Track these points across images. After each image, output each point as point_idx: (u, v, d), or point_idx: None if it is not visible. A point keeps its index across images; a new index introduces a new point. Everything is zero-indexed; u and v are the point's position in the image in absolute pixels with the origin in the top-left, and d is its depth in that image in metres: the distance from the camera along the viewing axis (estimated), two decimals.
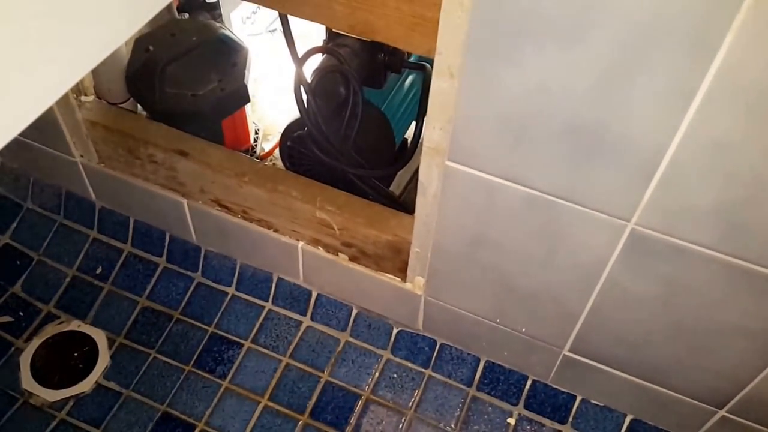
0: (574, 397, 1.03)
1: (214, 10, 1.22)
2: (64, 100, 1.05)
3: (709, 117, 0.58)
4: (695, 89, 0.57)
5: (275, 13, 1.30)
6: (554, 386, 1.03)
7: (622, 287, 0.78)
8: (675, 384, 0.89)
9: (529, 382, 1.04)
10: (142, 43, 1.07)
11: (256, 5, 1.29)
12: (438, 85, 0.70)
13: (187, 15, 1.20)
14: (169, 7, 1.15)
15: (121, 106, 1.11)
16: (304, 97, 0.95)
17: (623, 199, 0.69)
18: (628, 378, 0.92)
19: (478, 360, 1.06)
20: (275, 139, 1.25)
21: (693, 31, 0.54)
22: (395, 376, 1.06)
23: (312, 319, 1.11)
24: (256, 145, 1.23)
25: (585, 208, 0.72)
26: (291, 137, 1.04)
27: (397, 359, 1.08)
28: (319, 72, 0.96)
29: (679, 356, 0.84)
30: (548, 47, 0.60)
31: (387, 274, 1.00)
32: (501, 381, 1.05)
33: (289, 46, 0.92)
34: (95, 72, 1.07)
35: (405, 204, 1.04)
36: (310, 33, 1.22)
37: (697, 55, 0.55)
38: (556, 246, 0.78)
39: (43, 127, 1.10)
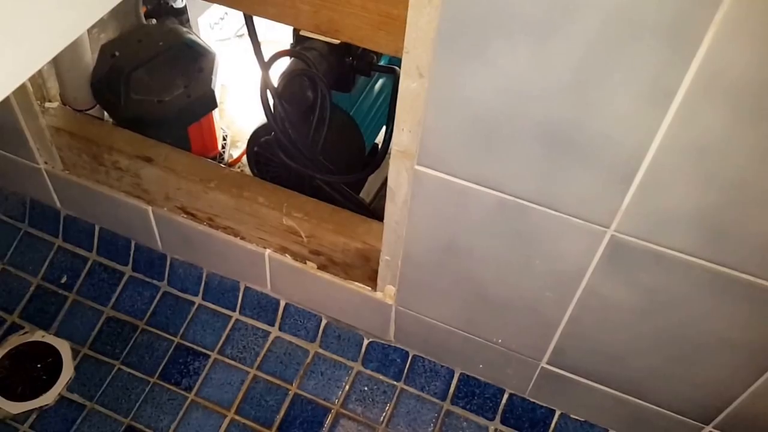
0: (553, 412, 0.96)
1: (182, 15, 1.16)
2: (27, 106, 0.99)
3: (690, 117, 0.53)
4: (676, 87, 0.52)
5: (243, 19, 1.25)
6: (532, 400, 0.97)
7: (602, 296, 0.73)
8: (659, 398, 0.83)
9: (505, 396, 0.98)
10: (107, 48, 1.02)
11: (224, 10, 1.24)
12: (407, 86, 0.64)
13: (154, 21, 1.14)
14: (136, 13, 1.10)
15: (87, 113, 1.05)
16: (271, 101, 0.89)
17: (601, 204, 0.63)
18: (610, 392, 0.86)
19: (452, 372, 1.00)
20: (244, 145, 1.19)
21: (672, 24, 0.48)
22: (366, 389, 1.00)
23: (280, 329, 1.05)
24: (224, 152, 1.17)
25: (561, 213, 0.66)
26: (258, 143, 0.98)
27: (368, 371, 1.01)
28: (286, 76, 0.90)
29: (662, 369, 0.78)
30: (520, 44, 0.55)
31: (356, 283, 0.94)
32: (476, 394, 0.98)
33: (255, 50, 0.86)
34: (61, 79, 1.01)
35: (375, 211, 0.98)
36: (280, 39, 1.16)
37: (677, 50, 0.49)
38: (531, 253, 0.72)
39: (7, 134, 1.04)
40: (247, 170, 1.06)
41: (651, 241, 0.64)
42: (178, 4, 1.15)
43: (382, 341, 1.01)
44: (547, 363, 0.87)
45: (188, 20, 1.16)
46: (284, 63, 0.92)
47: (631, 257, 0.66)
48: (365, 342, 1.02)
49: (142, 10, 1.11)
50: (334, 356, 1.02)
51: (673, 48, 0.50)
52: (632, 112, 0.55)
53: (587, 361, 0.84)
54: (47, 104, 1.02)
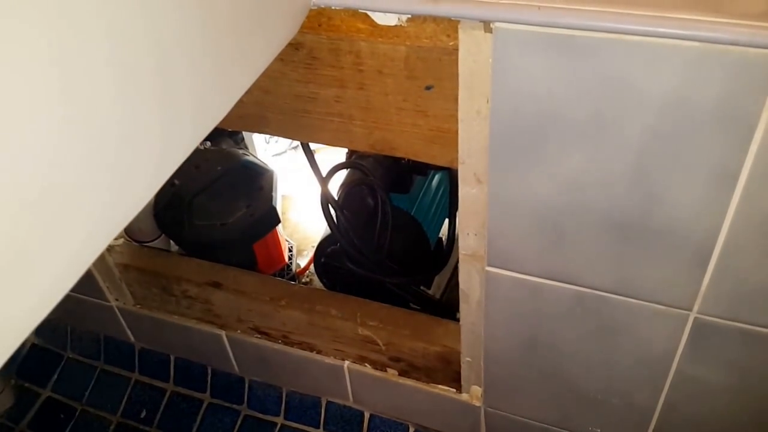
0: None
1: (237, 134, 1.25)
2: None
3: (758, 196, 0.56)
4: (738, 169, 0.55)
5: None
6: None
7: (694, 379, 0.74)
8: None
9: None
10: None
11: None
12: (466, 192, 0.69)
13: (209, 143, 1.23)
14: None
15: (152, 243, 1.13)
16: (333, 213, 0.95)
17: (680, 287, 0.66)
18: None
19: None
20: (310, 252, 1.25)
21: (725, 113, 0.53)
22: None
23: None
24: (291, 262, 1.23)
25: (640, 300, 0.69)
26: (324, 253, 1.04)
27: None
28: (345, 187, 0.96)
29: None
30: (574, 146, 0.60)
31: (441, 387, 0.97)
32: None
33: (312, 168, 0.93)
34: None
35: (448, 305, 1.02)
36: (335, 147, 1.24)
37: (734, 135, 0.53)
38: (616, 342, 0.75)
39: None
40: (316, 278, 1.11)
41: (736, 320, 0.66)
42: None
43: None
44: None
45: (243, 139, 1.25)
46: (342, 173, 0.99)
47: (718, 337, 0.68)
48: None
49: None
50: None
51: (730, 133, 0.54)
52: (698, 197, 0.59)
53: None
54: (113, 242, 1.11)
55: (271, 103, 0.75)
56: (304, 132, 0.76)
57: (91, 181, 0.38)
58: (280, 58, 0.69)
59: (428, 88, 0.65)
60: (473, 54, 0.59)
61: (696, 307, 0.67)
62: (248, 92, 0.75)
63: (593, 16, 0.52)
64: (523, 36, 0.56)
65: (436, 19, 0.60)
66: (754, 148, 0.53)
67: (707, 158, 0.56)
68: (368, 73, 0.67)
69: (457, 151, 0.66)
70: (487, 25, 0.57)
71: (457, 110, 0.63)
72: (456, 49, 0.60)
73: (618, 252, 0.66)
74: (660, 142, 0.56)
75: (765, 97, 0.51)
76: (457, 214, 0.74)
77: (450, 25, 0.60)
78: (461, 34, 0.59)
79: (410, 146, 0.70)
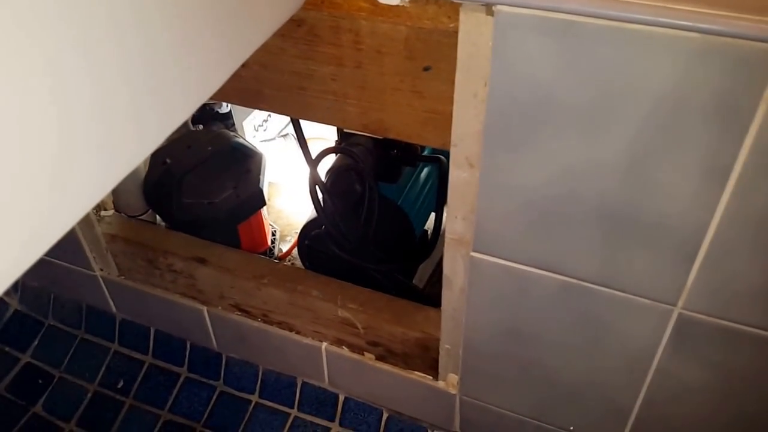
0: None
1: (227, 119, 1.24)
2: (83, 216, 1.04)
3: (748, 192, 0.55)
4: (730, 165, 0.54)
5: (286, 119, 1.32)
6: None
7: (675, 377, 0.73)
8: None
9: None
10: (158, 156, 1.09)
11: (268, 113, 1.31)
12: (457, 176, 0.68)
13: (201, 126, 1.21)
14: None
15: (139, 218, 1.11)
16: (320, 196, 0.93)
17: (666, 282, 0.65)
18: None
19: None
20: (292, 238, 1.23)
21: (721, 106, 0.51)
22: None
23: (340, 424, 1.06)
24: (273, 247, 1.21)
25: (625, 293, 0.68)
26: (309, 236, 1.02)
27: None
28: (334, 171, 0.95)
29: None
30: (569, 133, 0.58)
31: (417, 373, 0.95)
32: None
33: (302, 149, 0.91)
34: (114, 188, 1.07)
35: (430, 296, 1.00)
36: (324, 135, 1.23)
37: (729, 129, 0.52)
38: (598, 335, 0.73)
39: (63, 244, 1.07)
40: (298, 263, 1.09)
41: (720, 317, 0.65)
42: (224, 110, 1.22)
43: None
44: None
45: (233, 124, 1.23)
46: (331, 159, 0.97)
47: (701, 334, 0.67)
48: None
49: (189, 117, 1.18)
50: None
51: (725, 127, 0.52)
52: (689, 191, 0.57)
53: None
54: (102, 212, 1.08)
55: (269, 79, 0.73)
56: (299, 109, 0.74)
57: (77, 142, 0.36)
58: (281, 34, 0.67)
59: (426, 69, 0.63)
60: (473, 36, 0.57)
61: (680, 303, 0.65)
62: (247, 67, 0.73)
63: (596, 3, 0.51)
64: (524, 20, 0.54)
65: (438, 1, 0.59)
66: (748, 142, 0.52)
67: (701, 151, 0.54)
68: (367, 52, 0.65)
69: (450, 134, 0.64)
70: (488, 8, 0.55)
71: (453, 92, 0.62)
72: (456, 32, 0.58)
73: (606, 243, 0.64)
74: (655, 132, 0.55)
75: (762, 91, 0.49)
76: (447, 198, 0.72)
77: (452, 7, 0.58)
78: (462, 16, 0.57)
79: (404, 127, 0.68)
